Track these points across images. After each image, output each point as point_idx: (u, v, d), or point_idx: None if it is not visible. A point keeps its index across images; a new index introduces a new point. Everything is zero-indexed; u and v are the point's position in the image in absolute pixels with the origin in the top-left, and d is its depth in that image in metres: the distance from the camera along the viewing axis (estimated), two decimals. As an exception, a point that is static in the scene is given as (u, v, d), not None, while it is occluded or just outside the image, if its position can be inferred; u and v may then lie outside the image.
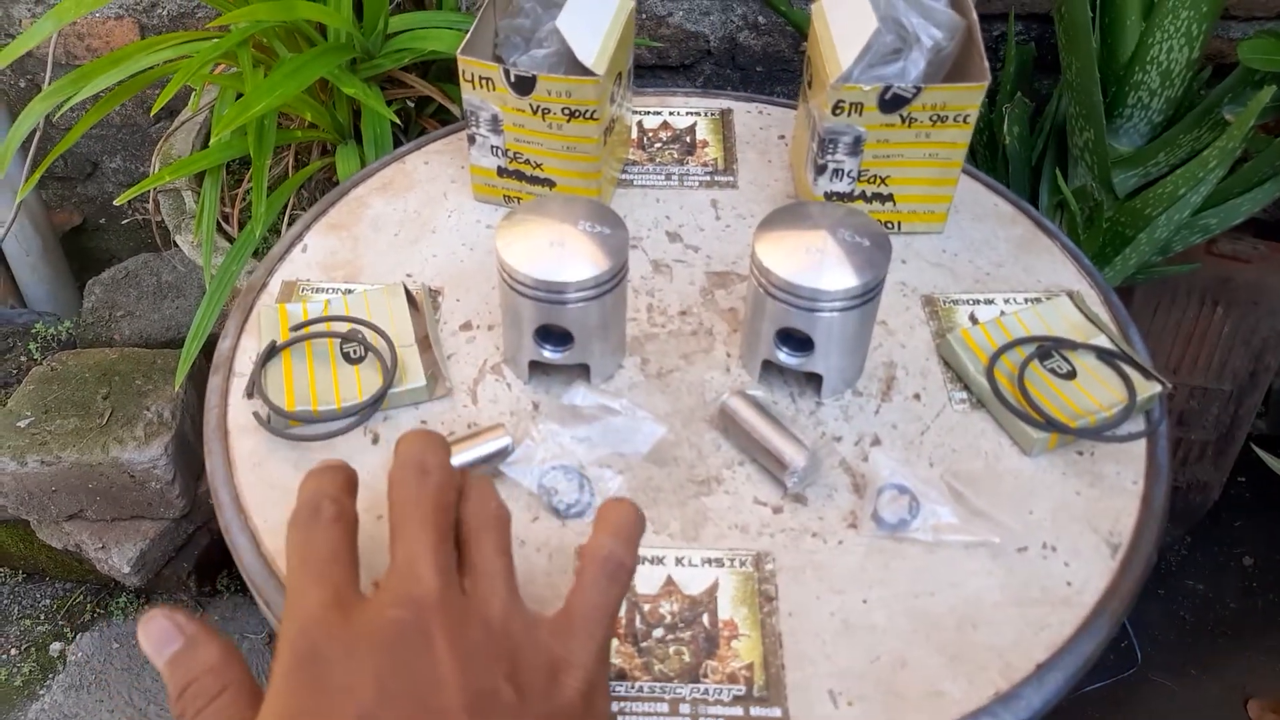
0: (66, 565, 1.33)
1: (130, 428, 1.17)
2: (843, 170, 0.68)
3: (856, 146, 0.67)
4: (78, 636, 1.34)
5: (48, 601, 1.37)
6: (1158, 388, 0.60)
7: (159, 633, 0.43)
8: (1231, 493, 1.45)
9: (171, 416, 1.18)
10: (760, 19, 1.29)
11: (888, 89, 0.64)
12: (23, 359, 1.40)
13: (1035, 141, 1.17)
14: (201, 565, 1.31)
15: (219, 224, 1.08)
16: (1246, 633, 1.37)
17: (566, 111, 0.66)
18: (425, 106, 1.08)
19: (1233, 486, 1.45)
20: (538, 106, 0.66)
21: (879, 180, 0.69)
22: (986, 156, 1.19)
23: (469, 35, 0.67)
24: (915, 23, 0.66)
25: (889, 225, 0.72)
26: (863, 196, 0.70)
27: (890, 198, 0.70)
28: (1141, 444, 0.59)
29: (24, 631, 1.34)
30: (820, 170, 0.69)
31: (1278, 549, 1.45)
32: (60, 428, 1.18)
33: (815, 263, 0.56)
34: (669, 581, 0.54)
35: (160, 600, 1.36)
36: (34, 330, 1.41)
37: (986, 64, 0.65)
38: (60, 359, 1.26)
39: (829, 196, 0.70)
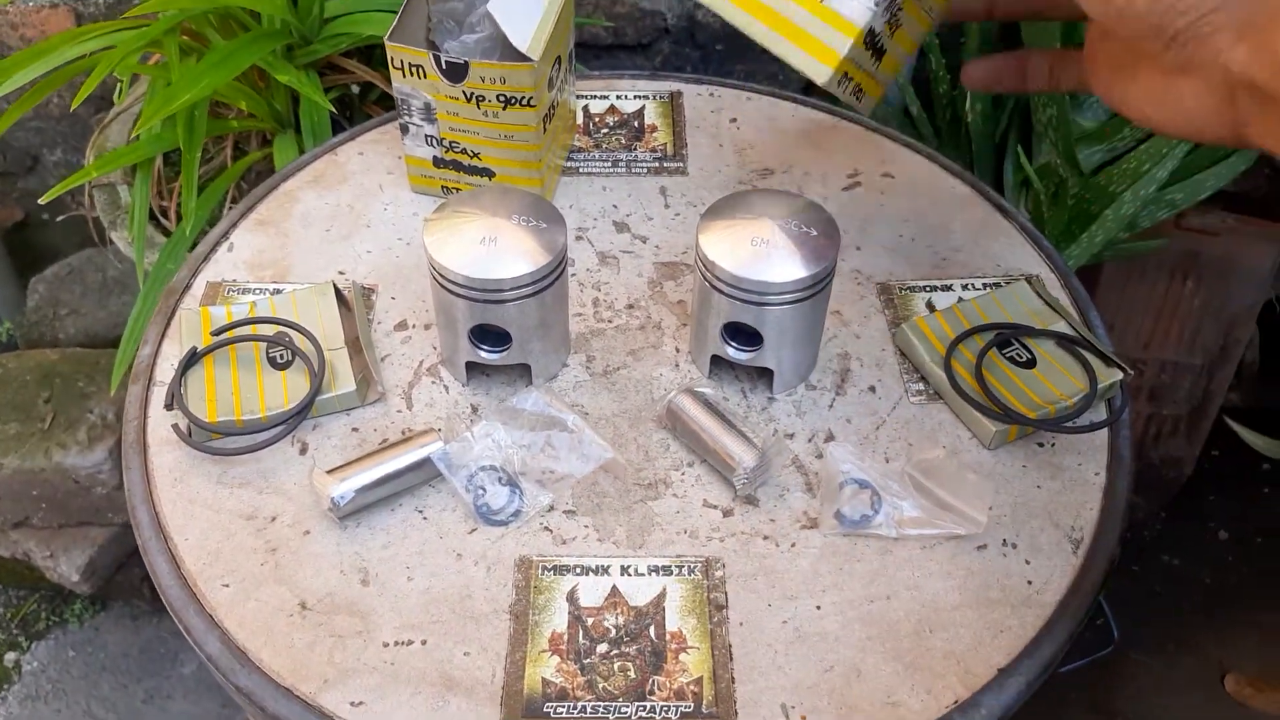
0: (18, 574, 1.29)
1: (73, 432, 1.13)
2: None
3: None
4: (33, 645, 1.31)
5: (1, 610, 1.34)
6: (1119, 375, 0.57)
7: None
8: (1205, 467, 1.44)
9: (115, 419, 1.14)
10: (718, -4, 1.26)
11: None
12: (-35, 362, 1.35)
13: (999, 118, 1.15)
14: (156, 570, 1.28)
15: (159, 218, 1.04)
16: (1223, 607, 1.37)
17: (502, 99, 0.63)
18: (370, 93, 1.04)
19: (1206, 460, 1.44)
20: (471, 94, 0.63)
21: None
22: (950, 134, 1.17)
23: (397, 19, 0.63)
24: None
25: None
26: None
27: None
28: (1103, 434, 0.57)
29: (-24, 642, 1.30)
30: None
31: (1253, 522, 1.45)
32: (1, 433, 1.14)
33: (761, 255, 0.54)
34: (614, 592, 0.51)
35: (116, 606, 1.32)
36: (-24, 332, 1.37)
37: None
38: (1, 361, 1.22)
39: None
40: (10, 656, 1.30)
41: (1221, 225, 1.27)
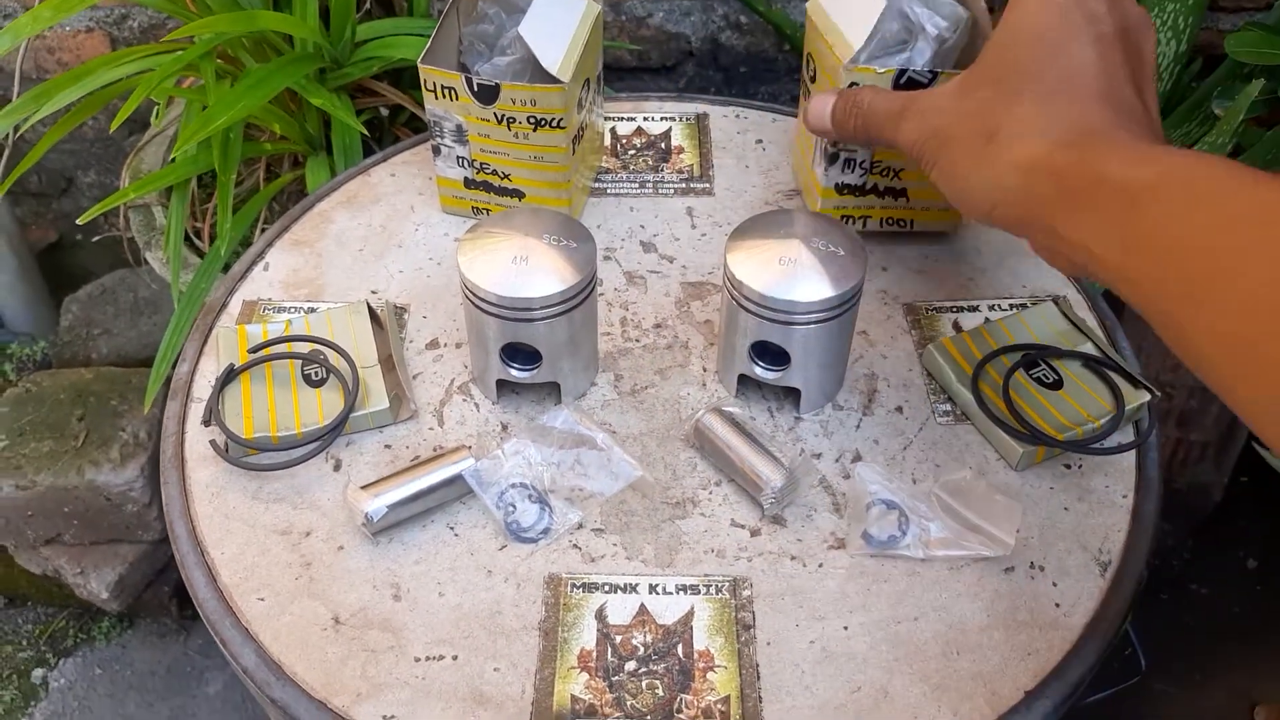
0: (47, 590, 1.31)
1: (105, 449, 1.15)
2: (855, 161, 0.65)
3: None
4: (60, 662, 1.32)
5: (30, 627, 1.35)
6: (1146, 396, 0.57)
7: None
8: (1234, 494, 1.42)
9: (147, 437, 1.16)
10: (742, 18, 1.27)
11: (903, 73, 0.61)
12: (-1, 380, 1.37)
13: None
14: (183, 589, 1.28)
15: (192, 239, 1.06)
16: (1252, 636, 1.35)
17: (532, 120, 0.64)
18: (399, 115, 1.06)
19: (1235, 487, 1.43)
20: (503, 116, 0.64)
21: (892, 173, 0.66)
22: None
23: (430, 43, 0.64)
24: (920, 12, 0.63)
25: (901, 224, 0.69)
26: (875, 190, 0.67)
27: (903, 193, 0.67)
28: (1131, 456, 0.57)
29: (6, 658, 1.32)
30: (832, 160, 0.65)
31: (1282, 549, 1.43)
32: (35, 450, 1.16)
33: (789, 274, 0.54)
34: (642, 610, 0.52)
35: (144, 623, 1.34)
36: (9, 351, 1.39)
37: None
38: (35, 380, 1.24)
39: (840, 189, 0.67)
40: (38, 673, 1.31)
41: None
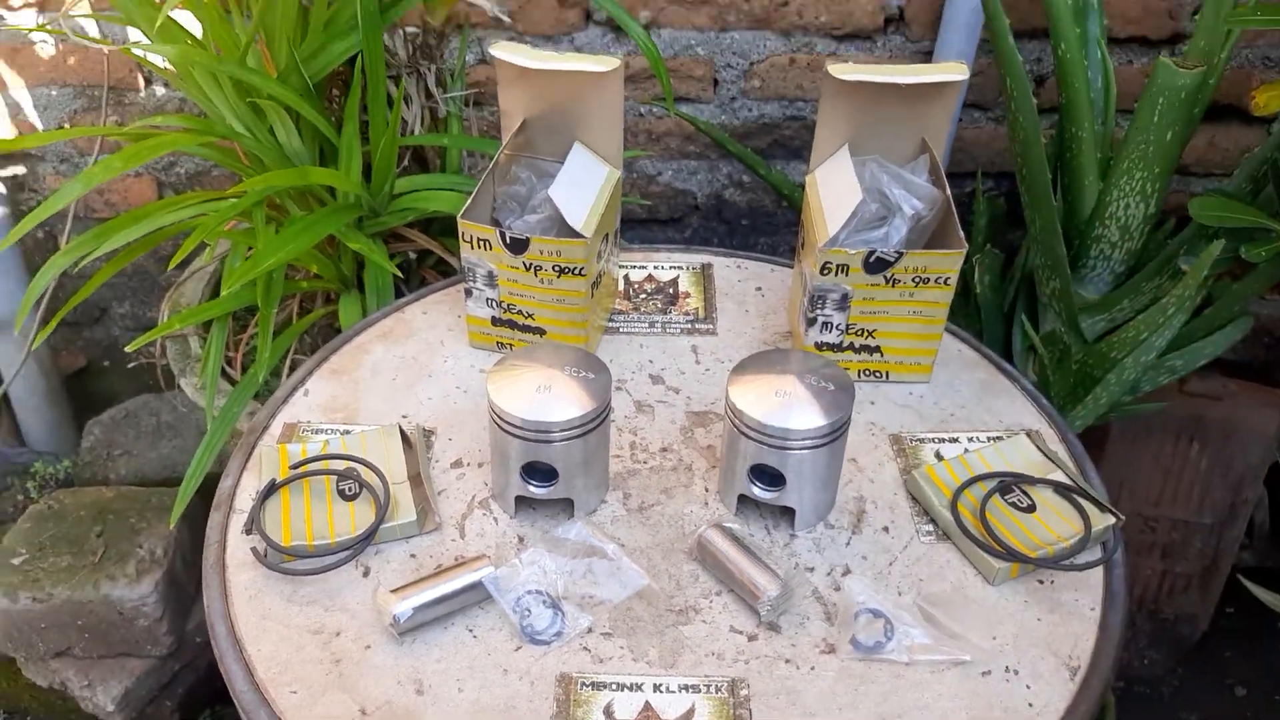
0: (50, 704, 1.32)
1: (122, 565, 1.18)
2: (831, 323, 0.73)
3: (844, 303, 0.72)
4: (57, 782, 1.32)
5: (28, 746, 1.35)
6: (1111, 519, 0.63)
7: None
8: (1221, 624, 1.45)
9: (164, 554, 1.20)
10: (745, 177, 1.38)
11: (871, 253, 0.69)
12: (20, 497, 1.42)
13: (1007, 289, 1.23)
14: (185, 703, 1.30)
15: (225, 367, 1.13)
16: (1241, 763, 1.35)
17: (557, 269, 0.72)
18: (426, 258, 1.14)
19: (1221, 617, 1.45)
20: (531, 264, 0.72)
21: (866, 333, 0.74)
22: (960, 303, 1.25)
23: (470, 201, 0.73)
24: (897, 194, 0.72)
25: (877, 375, 0.76)
26: (851, 348, 0.75)
27: (878, 349, 0.75)
28: (1099, 572, 0.62)
29: (2, 779, 1.32)
30: (811, 323, 0.74)
31: (1269, 678, 1.45)
32: (53, 565, 1.19)
33: (784, 404, 0.61)
34: (646, 707, 0.56)
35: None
36: (33, 469, 1.44)
37: (962, 234, 0.71)
38: (57, 497, 1.29)
39: (820, 347, 0.75)
40: (34, 793, 1.30)
41: (1223, 390, 1.33)
